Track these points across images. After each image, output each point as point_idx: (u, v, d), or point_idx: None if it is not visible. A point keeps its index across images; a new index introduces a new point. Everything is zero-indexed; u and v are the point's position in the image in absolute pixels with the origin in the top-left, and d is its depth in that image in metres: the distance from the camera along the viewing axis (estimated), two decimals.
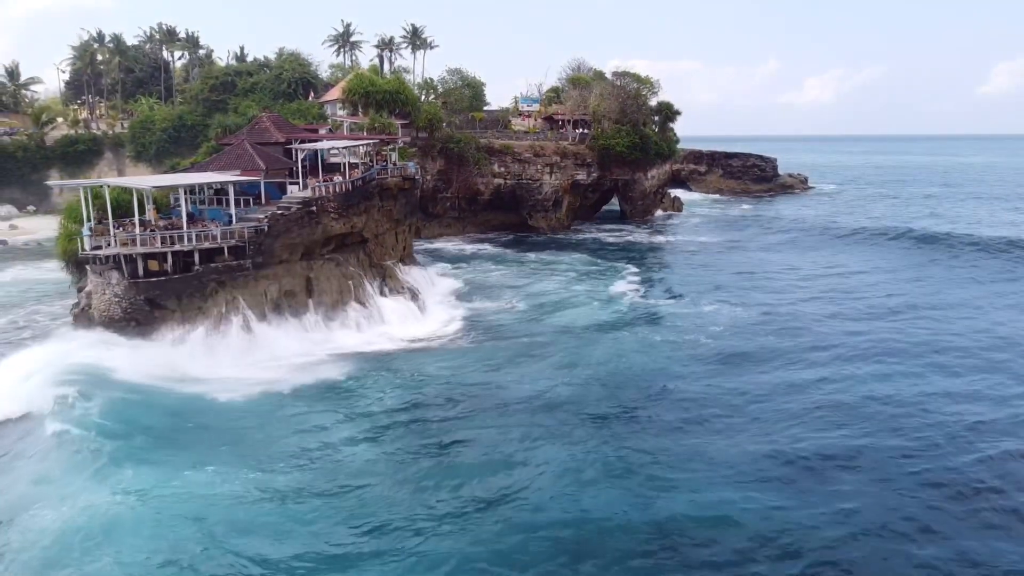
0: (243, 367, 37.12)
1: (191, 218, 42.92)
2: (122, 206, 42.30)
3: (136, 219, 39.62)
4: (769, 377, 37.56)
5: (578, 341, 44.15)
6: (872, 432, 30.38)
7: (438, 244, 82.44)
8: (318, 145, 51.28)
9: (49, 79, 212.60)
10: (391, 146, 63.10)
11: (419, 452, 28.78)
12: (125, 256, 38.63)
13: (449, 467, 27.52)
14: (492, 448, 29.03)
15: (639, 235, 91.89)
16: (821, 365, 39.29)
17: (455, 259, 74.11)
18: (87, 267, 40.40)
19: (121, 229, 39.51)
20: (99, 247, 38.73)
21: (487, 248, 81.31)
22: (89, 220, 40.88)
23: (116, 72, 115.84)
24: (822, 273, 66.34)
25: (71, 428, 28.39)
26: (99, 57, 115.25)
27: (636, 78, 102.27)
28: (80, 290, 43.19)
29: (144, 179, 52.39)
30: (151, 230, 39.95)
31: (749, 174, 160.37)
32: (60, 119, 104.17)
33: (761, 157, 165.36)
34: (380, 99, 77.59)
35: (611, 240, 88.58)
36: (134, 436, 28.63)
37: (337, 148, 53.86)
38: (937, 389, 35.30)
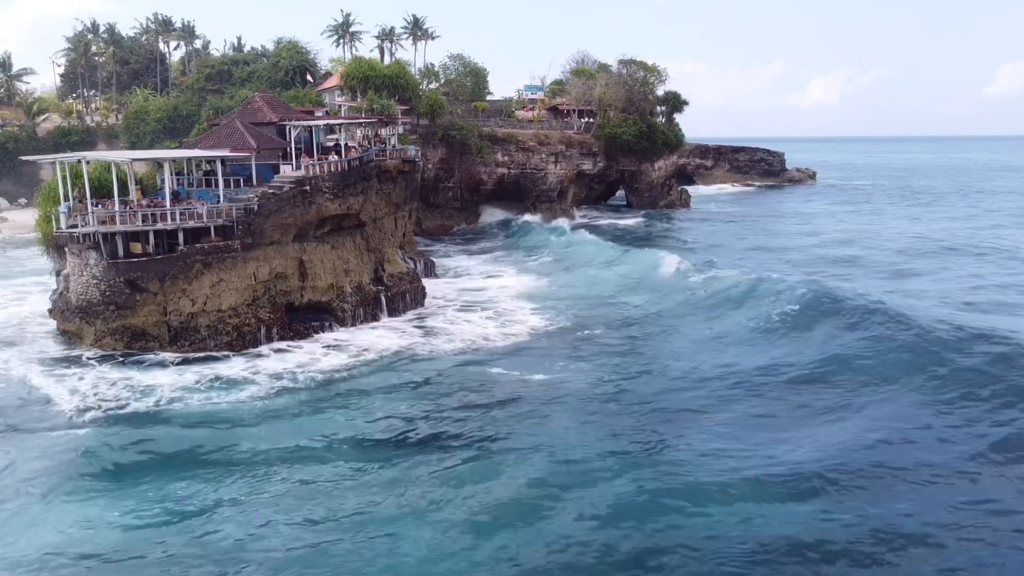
0: None
1: (177, 197, 40.44)
2: (105, 186, 39.89)
3: (116, 198, 37.18)
4: None
5: (621, 335, 40.87)
6: None
7: (440, 236, 79.97)
8: (312, 122, 48.80)
9: (48, 76, 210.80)
10: (390, 128, 60.60)
11: (438, 470, 24.73)
12: (104, 235, 36.19)
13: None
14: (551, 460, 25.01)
15: (647, 224, 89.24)
16: None
17: (458, 249, 71.69)
18: (66, 249, 38.05)
19: (100, 207, 37.03)
20: (76, 225, 36.24)
21: (493, 237, 78.81)
22: (68, 199, 38.47)
23: (111, 64, 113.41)
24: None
25: None
26: (93, 48, 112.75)
27: (643, 66, 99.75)
28: (59, 274, 40.80)
29: (125, 153, 49.92)
30: (133, 209, 37.44)
31: (756, 168, 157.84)
32: (55, 113, 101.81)
33: (768, 151, 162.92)
34: (380, 83, 75.05)
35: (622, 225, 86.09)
36: None
37: (332, 126, 51.40)
38: None
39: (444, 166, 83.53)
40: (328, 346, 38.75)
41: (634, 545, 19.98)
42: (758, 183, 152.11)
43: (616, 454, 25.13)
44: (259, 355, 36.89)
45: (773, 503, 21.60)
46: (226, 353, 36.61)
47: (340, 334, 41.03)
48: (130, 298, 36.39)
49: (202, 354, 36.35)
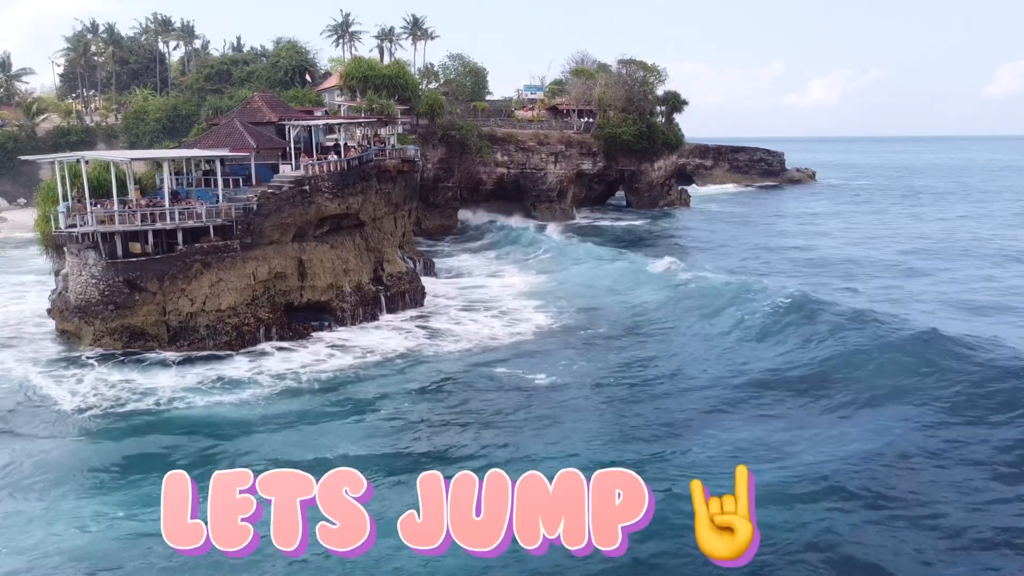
0: None
1: (176, 197, 40.28)
2: (104, 186, 39.72)
3: (115, 198, 37.02)
4: None
5: (633, 336, 40.63)
6: None
7: (440, 236, 79.78)
8: (312, 122, 48.67)
9: (47, 76, 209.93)
10: (390, 128, 60.49)
11: None
12: (103, 235, 36.03)
13: None
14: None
15: (647, 224, 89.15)
16: None
17: (458, 248, 71.54)
18: (65, 249, 37.89)
19: (99, 206, 36.89)
20: (75, 225, 36.10)
21: (492, 236, 78.66)
22: (66, 199, 38.28)
23: (111, 64, 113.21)
24: None
25: None
26: (93, 48, 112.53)
27: (643, 66, 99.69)
28: (58, 274, 40.63)
29: (124, 153, 49.80)
30: (131, 208, 37.29)
31: (756, 168, 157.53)
32: (54, 113, 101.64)
33: (768, 151, 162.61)
34: (379, 83, 74.89)
35: (622, 225, 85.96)
36: None
37: (332, 126, 51.28)
38: None
39: (444, 166, 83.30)
40: (332, 346, 38.58)
41: (639, 546, 19.79)
42: (758, 183, 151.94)
43: (622, 456, 24.96)
44: (262, 354, 36.72)
45: (779, 504, 21.42)
46: (228, 352, 36.44)
47: (341, 334, 40.86)
48: (129, 298, 36.24)
49: (204, 353, 36.18)
